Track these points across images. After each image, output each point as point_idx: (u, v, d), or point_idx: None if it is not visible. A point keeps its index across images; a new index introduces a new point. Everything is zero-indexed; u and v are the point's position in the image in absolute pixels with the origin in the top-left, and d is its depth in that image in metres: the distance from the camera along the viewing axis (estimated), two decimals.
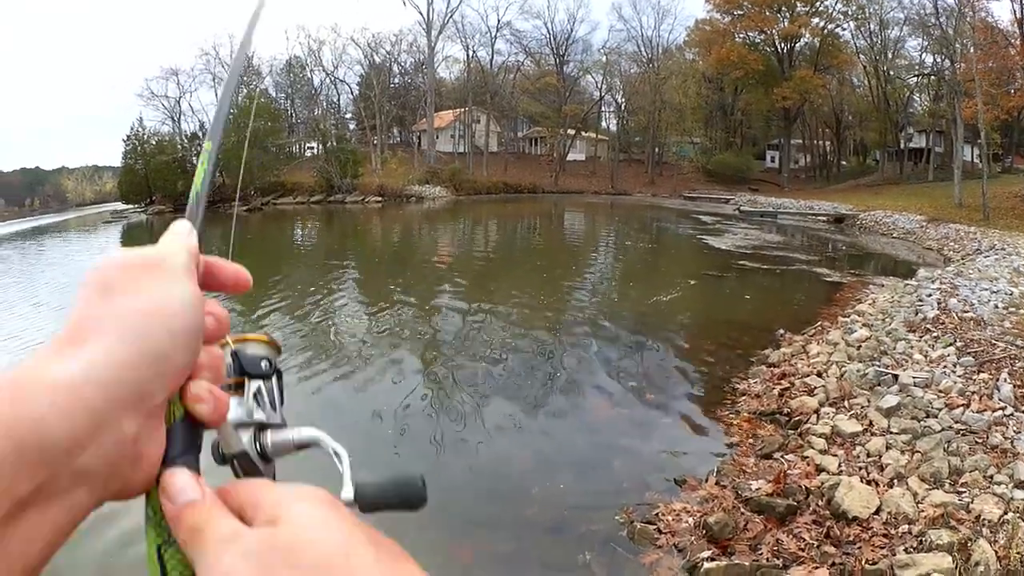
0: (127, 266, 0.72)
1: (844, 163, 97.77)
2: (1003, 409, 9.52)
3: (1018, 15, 51.39)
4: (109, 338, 0.65)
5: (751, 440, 10.15)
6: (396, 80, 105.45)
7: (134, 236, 53.88)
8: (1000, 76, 49.62)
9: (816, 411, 10.70)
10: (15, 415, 0.57)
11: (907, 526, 7.09)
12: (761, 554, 7.00)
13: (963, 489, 7.66)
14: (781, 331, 16.53)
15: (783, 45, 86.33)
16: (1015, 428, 9.02)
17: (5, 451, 0.55)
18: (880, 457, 8.77)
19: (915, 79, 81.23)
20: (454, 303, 21.77)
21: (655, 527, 7.70)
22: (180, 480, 0.68)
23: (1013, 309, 15.66)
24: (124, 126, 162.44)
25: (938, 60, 69.64)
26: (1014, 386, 10.25)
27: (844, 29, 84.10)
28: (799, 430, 10.16)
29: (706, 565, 6.80)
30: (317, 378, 14.06)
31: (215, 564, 0.61)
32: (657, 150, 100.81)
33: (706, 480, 8.83)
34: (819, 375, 12.42)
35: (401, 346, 16.55)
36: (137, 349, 0.66)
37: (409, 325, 18.77)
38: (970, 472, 7.96)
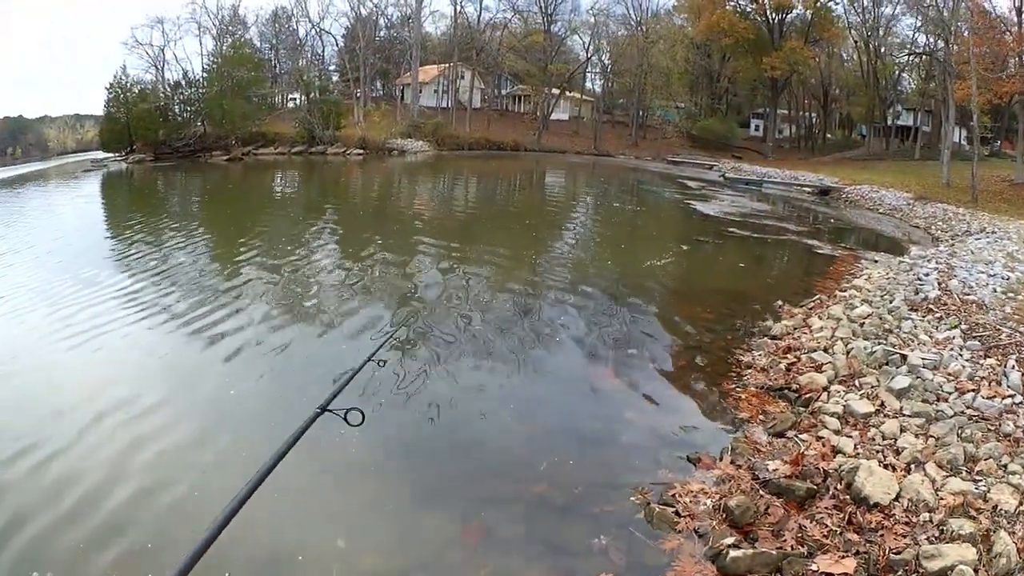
0: None
1: (829, 136, 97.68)
2: (1012, 397, 9.41)
3: (1017, 3, 51.05)
4: None
5: (761, 416, 9.96)
6: (382, 33, 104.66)
7: (113, 184, 53.39)
8: (994, 61, 49.28)
9: (826, 388, 10.54)
10: None
11: (928, 514, 6.93)
12: (785, 541, 6.80)
13: (979, 477, 7.53)
14: (779, 302, 16.34)
15: (774, 15, 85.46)
16: None
17: None
18: (895, 440, 8.62)
19: (906, 57, 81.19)
20: (439, 262, 21.28)
21: (673, 510, 7.46)
22: None
23: (1012, 294, 15.45)
24: (107, 75, 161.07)
25: (931, 40, 69.51)
26: (1022, 373, 10.06)
27: (837, 3, 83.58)
28: (810, 408, 9.99)
29: (731, 553, 6.57)
30: (293, 332, 13.91)
31: None
32: (641, 113, 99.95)
33: (720, 458, 8.63)
34: (825, 351, 12.21)
35: (384, 305, 16.25)
36: None
37: (393, 283, 18.44)
38: (985, 460, 7.85)
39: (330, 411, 3.66)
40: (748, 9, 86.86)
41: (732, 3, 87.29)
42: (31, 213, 35.83)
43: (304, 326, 14.38)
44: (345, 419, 3.57)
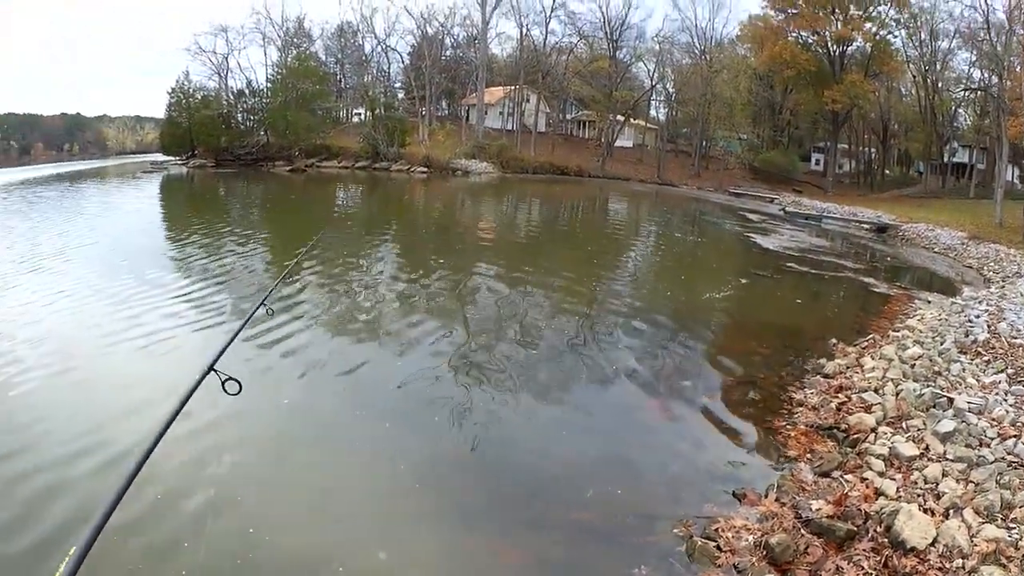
0: None
1: (888, 172, 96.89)
2: None
3: None
4: None
5: (809, 455, 10.07)
6: (448, 53, 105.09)
7: (174, 187, 54.25)
8: None
9: (874, 430, 10.63)
10: None
11: (961, 560, 7.03)
12: None
13: (1013, 525, 7.55)
14: (834, 341, 16.37)
15: (835, 47, 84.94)
16: None
17: None
18: (937, 485, 8.67)
19: (962, 92, 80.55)
20: (499, 285, 21.55)
21: (715, 544, 7.63)
22: None
23: None
24: (167, 78, 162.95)
25: (986, 75, 68.90)
26: None
27: (896, 37, 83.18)
28: (857, 448, 10.10)
29: None
30: (353, 353, 14.15)
31: None
32: (704, 143, 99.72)
33: (766, 495, 8.78)
34: (876, 391, 12.30)
35: (442, 325, 16.42)
36: None
37: (452, 303, 18.83)
38: (1020, 507, 7.83)
39: (215, 371, 3.92)
40: (810, 40, 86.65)
41: (794, 34, 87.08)
42: (93, 210, 37.46)
43: (363, 341, 14.85)
44: (223, 387, 3.85)
